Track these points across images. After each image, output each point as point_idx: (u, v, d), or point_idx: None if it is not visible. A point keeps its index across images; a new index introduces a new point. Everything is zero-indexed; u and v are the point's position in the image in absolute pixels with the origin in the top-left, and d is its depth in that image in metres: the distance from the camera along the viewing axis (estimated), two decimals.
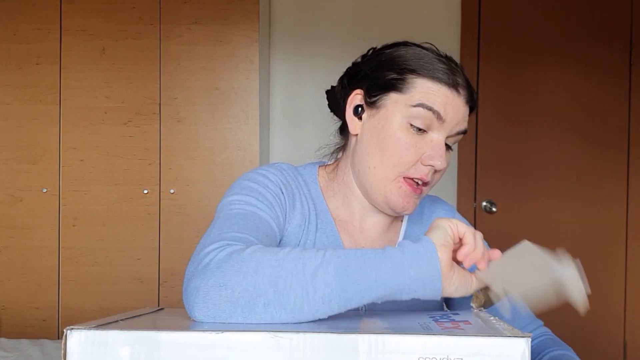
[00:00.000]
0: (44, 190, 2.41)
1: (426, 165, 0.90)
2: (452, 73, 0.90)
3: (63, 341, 0.59)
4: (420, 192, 0.93)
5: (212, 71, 2.42)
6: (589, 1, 2.79)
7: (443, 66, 0.90)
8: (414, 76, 0.90)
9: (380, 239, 1.01)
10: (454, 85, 0.89)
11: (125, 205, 2.42)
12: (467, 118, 0.93)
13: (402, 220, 1.05)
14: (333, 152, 1.03)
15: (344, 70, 1.03)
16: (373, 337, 0.61)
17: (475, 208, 2.80)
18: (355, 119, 0.96)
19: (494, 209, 2.78)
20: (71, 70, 2.41)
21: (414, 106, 0.88)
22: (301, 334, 0.61)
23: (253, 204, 0.88)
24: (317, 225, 0.96)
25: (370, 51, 1.00)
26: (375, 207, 0.97)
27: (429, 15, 2.80)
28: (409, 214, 0.95)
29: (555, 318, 2.99)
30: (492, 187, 2.80)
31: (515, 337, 0.61)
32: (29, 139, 2.41)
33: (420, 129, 0.89)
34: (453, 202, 2.80)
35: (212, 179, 2.41)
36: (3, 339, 2.15)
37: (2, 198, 2.41)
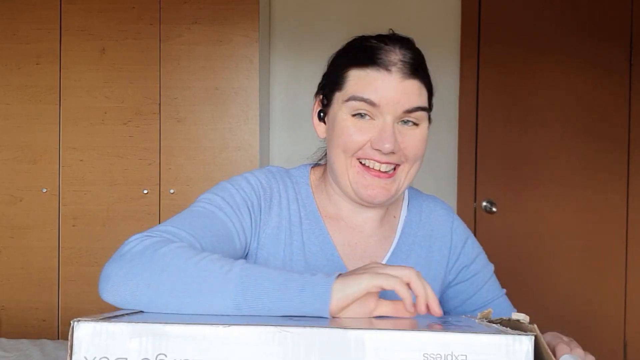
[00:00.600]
0: (44, 190, 2.41)
1: (375, 149, 0.91)
2: (383, 53, 0.90)
3: (70, 333, 0.59)
4: (391, 178, 0.93)
5: (212, 71, 2.42)
6: (589, 1, 2.79)
7: (372, 49, 0.91)
8: (347, 69, 0.93)
9: (374, 235, 1.01)
10: (383, 66, 0.89)
11: (125, 205, 2.42)
12: (414, 92, 0.91)
13: (399, 217, 1.05)
14: (323, 155, 1.05)
15: None
16: (379, 333, 0.61)
17: (475, 208, 2.80)
18: (321, 123, 0.99)
19: (494, 209, 2.77)
20: (71, 70, 2.40)
21: (347, 101, 0.91)
22: (308, 329, 0.61)
23: (217, 204, 0.91)
24: (302, 225, 0.97)
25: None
26: (353, 201, 0.98)
27: (429, 15, 2.80)
28: (381, 201, 0.94)
29: (556, 318, 3.00)
30: (492, 187, 2.80)
31: (519, 335, 0.62)
32: (29, 139, 2.41)
33: (364, 115, 0.91)
34: (453, 202, 2.80)
35: (212, 179, 2.41)
36: (3, 339, 2.15)
37: (2, 198, 2.41)
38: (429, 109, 0.95)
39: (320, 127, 0.99)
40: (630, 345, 2.82)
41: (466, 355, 0.61)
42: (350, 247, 0.99)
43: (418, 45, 0.99)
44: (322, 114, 0.99)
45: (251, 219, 0.94)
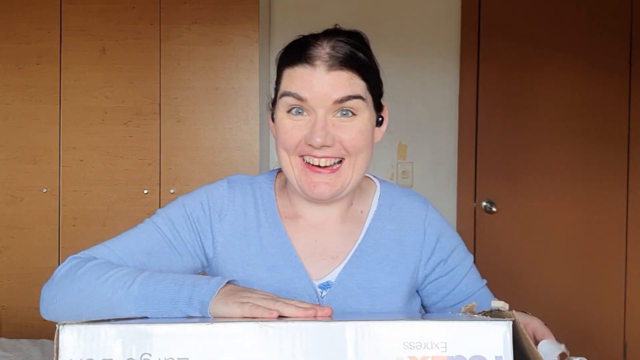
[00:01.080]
0: (44, 190, 2.41)
1: (309, 145, 0.91)
2: (309, 48, 0.91)
3: (55, 336, 0.60)
4: (334, 174, 0.93)
5: (212, 71, 2.42)
6: (589, 1, 2.79)
7: (301, 46, 0.93)
8: (282, 69, 0.95)
9: (336, 231, 1.01)
10: (308, 61, 0.90)
11: (125, 206, 2.42)
12: (342, 82, 0.90)
13: (367, 212, 1.04)
14: None
15: None
16: (359, 324, 0.62)
17: (475, 208, 2.80)
18: (272, 123, 1.02)
19: (494, 209, 2.77)
20: (71, 70, 2.40)
21: (280, 98, 0.94)
22: (290, 323, 0.62)
23: (157, 222, 0.99)
24: (261, 229, 1.00)
25: None
26: (306, 199, 0.99)
27: (429, 15, 2.80)
28: (328, 197, 0.95)
29: (556, 318, 2.99)
30: (492, 187, 2.80)
31: (497, 321, 0.62)
32: (29, 139, 2.41)
33: (298, 112, 0.92)
34: (453, 202, 2.80)
35: (212, 179, 2.39)
36: (3, 339, 2.15)
37: (2, 198, 2.42)
38: (365, 97, 0.93)
39: (272, 127, 1.02)
40: (630, 346, 2.82)
41: (445, 343, 0.61)
42: (310, 245, 1.00)
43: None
44: (273, 115, 1.01)
45: (195, 231, 0.99)
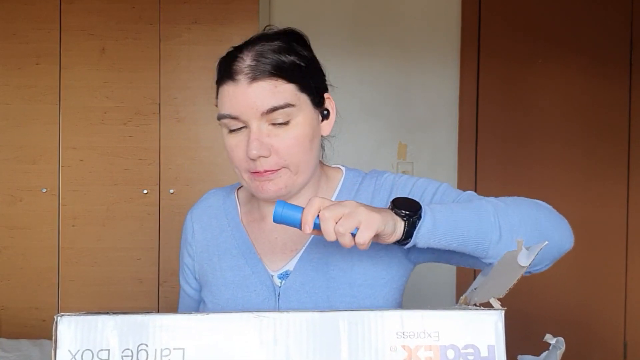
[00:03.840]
0: (44, 190, 2.41)
1: (250, 160, 0.92)
2: (231, 64, 0.92)
3: (54, 327, 0.62)
4: (274, 174, 0.93)
5: (212, 71, 2.40)
6: (589, 2, 2.79)
7: (227, 62, 0.93)
8: (218, 87, 0.97)
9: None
10: (231, 78, 0.91)
11: (125, 206, 2.42)
12: (265, 93, 0.89)
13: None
14: None
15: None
16: (352, 314, 0.63)
17: None
18: None
19: None
20: (71, 70, 2.40)
21: (218, 119, 0.94)
22: (284, 314, 0.63)
23: (181, 284, 1.17)
24: (223, 235, 1.06)
25: None
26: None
27: (429, 15, 2.80)
28: (270, 197, 0.95)
29: (556, 318, 2.99)
30: (493, 187, 2.80)
31: (489, 310, 0.63)
32: (29, 139, 2.41)
33: (238, 128, 0.93)
34: None
35: (212, 179, 2.41)
36: (3, 339, 2.15)
37: (2, 198, 2.41)
38: (295, 102, 0.91)
39: None
40: (630, 346, 2.82)
41: (439, 332, 0.62)
42: (270, 242, 1.03)
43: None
44: None
45: (187, 265, 1.13)
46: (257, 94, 0.89)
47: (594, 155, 2.80)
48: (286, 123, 0.91)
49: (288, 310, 0.64)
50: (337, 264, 0.98)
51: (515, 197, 0.97)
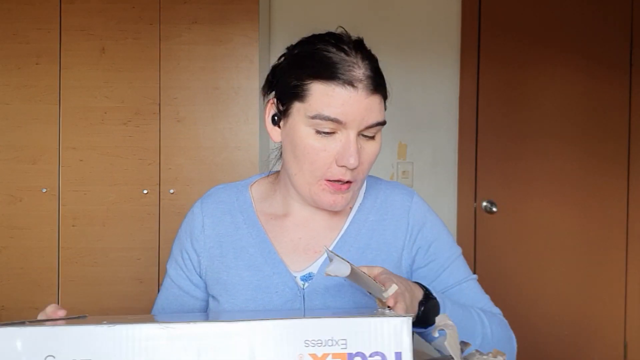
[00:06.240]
0: (44, 190, 2.41)
1: (340, 166, 0.91)
2: (348, 68, 0.89)
3: None
4: (348, 187, 0.94)
5: (212, 71, 2.42)
6: (589, 2, 2.79)
7: (337, 63, 0.89)
8: (310, 81, 0.90)
9: (321, 227, 1.03)
10: (349, 82, 0.88)
11: (125, 206, 2.42)
12: (376, 107, 0.90)
13: (353, 206, 1.06)
14: (278, 159, 1.07)
15: None
16: (259, 323, 0.63)
17: (475, 208, 2.80)
18: (276, 128, 0.98)
19: (494, 209, 2.77)
20: (71, 70, 2.40)
21: (312, 117, 0.89)
22: (192, 324, 0.63)
23: (169, 274, 1.09)
24: (238, 232, 1.03)
25: (285, 51, 0.99)
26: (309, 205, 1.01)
27: (429, 15, 2.80)
28: (339, 209, 0.97)
29: (556, 318, 2.99)
30: (493, 187, 2.80)
31: (395, 317, 0.64)
32: (29, 139, 2.41)
33: (327, 133, 0.90)
34: (453, 202, 2.80)
35: (212, 179, 2.41)
36: None
37: (2, 198, 2.41)
38: (385, 122, 0.94)
39: (275, 131, 0.99)
40: (630, 346, 2.82)
41: (346, 340, 0.63)
42: (293, 242, 1.02)
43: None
44: (276, 118, 0.98)
45: (190, 258, 1.06)
46: (371, 107, 0.89)
47: (594, 155, 2.81)
48: (372, 137, 0.93)
49: (196, 320, 0.64)
50: (363, 263, 0.99)
51: (495, 317, 1.04)
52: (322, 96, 0.89)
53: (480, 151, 2.81)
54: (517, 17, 2.80)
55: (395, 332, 0.63)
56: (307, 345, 0.62)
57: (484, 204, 2.79)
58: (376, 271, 0.80)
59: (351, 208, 1.06)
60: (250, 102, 2.43)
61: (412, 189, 1.10)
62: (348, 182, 0.93)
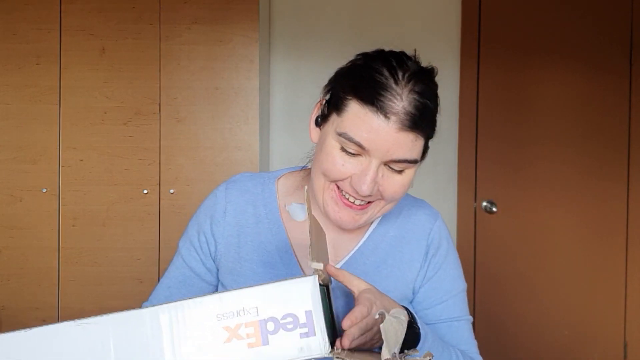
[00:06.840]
0: (44, 190, 2.41)
1: (352, 187, 0.89)
2: (389, 97, 0.84)
3: None
4: (362, 210, 0.92)
5: (212, 71, 2.42)
6: (589, 1, 2.79)
7: (381, 88, 0.85)
8: (350, 97, 0.87)
9: (341, 235, 1.01)
10: (383, 111, 0.84)
11: (125, 205, 2.42)
12: (408, 144, 0.86)
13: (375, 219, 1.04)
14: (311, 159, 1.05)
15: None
16: (172, 305, 0.64)
17: (475, 208, 2.80)
18: (317, 128, 0.97)
19: (494, 209, 2.77)
20: (71, 70, 2.40)
21: (339, 134, 0.88)
22: (105, 317, 0.64)
23: (182, 254, 1.06)
24: (259, 225, 1.01)
25: (355, 56, 0.97)
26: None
27: (429, 15, 2.80)
28: (348, 229, 0.95)
29: (556, 318, 2.99)
30: (493, 188, 2.80)
31: (302, 277, 0.65)
32: (29, 139, 2.41)
33: (352, 153, 0.88)
34: (453, 202, 2.80)
35: (212, 179, 2.41)
36: None
37: (2, 198, 2.41)
38: (419, 158, 0.90)
39: (315, 132, 0.97)
40: (630, 346, 2.82)
41: (257, 307, 0.64)
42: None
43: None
44: (319, 120, 0.96)
45: (207, 242, 1.03)
46: (399, 143, 0.85)
47: (595, 156, 2.81)
48: (400, 172, 0.90)
49: (108, 313, 0.65)
50: (374, 285, 0.98)
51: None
52: (355, 117, 0.86)
53: (480, 151, 2.81)
54: (517, 19, 2.80)
55: (304, 292, 0.65)
56: (219, 318, 0.64)
57: (484, 204, 2.79)
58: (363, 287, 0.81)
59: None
60: (250, 102, 2.43)
61: (437, 211, 1.08)
62: (360, 205, 0.91)
